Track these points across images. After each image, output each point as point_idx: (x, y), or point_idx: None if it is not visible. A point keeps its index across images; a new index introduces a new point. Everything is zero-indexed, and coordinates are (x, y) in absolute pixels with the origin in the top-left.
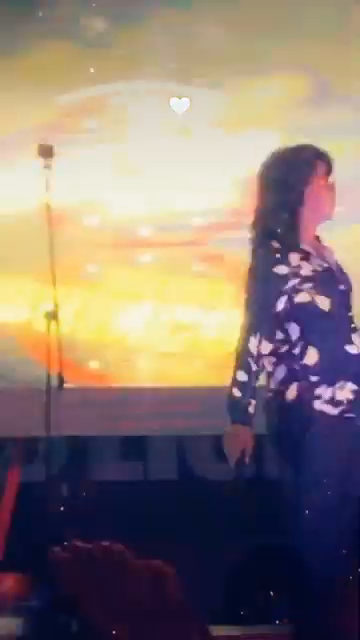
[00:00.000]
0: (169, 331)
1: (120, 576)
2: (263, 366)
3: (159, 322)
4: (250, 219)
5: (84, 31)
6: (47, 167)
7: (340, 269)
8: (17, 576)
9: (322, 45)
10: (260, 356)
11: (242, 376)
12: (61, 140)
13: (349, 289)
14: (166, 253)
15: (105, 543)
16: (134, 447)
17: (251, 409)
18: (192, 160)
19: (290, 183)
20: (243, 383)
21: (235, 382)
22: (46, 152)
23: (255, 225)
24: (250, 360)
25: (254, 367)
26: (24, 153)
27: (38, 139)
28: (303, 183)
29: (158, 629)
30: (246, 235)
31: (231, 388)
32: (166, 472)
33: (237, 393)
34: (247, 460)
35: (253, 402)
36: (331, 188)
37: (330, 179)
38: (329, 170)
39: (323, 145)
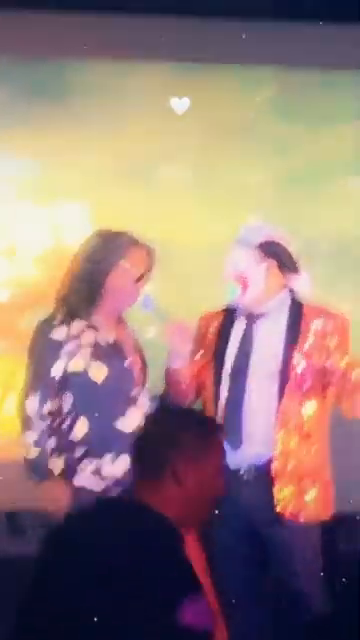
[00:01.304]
0: None
1: None
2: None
3: None
4: (53, 294)
5: None
6: None
7: (135, 348)
8: None
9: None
10: (44, 415)
11: (32, 436)
12: None
13: (140, 367)
14: None
15: None
16: None
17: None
18: None
19: (96, 262)
20: (36, 442)
21: (27, 444)
22: None
23: (57, 297)
24: (35, 419)
25: (43, 425)
26: None
27: None
28: (108, 267)
29: None
30: (48, 311)
31: (26, 451)
32: None
33: (34, 454)
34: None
35: (54, 457)
36: (137, 280)
37: (140, 270)
38: (143, 262)
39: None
